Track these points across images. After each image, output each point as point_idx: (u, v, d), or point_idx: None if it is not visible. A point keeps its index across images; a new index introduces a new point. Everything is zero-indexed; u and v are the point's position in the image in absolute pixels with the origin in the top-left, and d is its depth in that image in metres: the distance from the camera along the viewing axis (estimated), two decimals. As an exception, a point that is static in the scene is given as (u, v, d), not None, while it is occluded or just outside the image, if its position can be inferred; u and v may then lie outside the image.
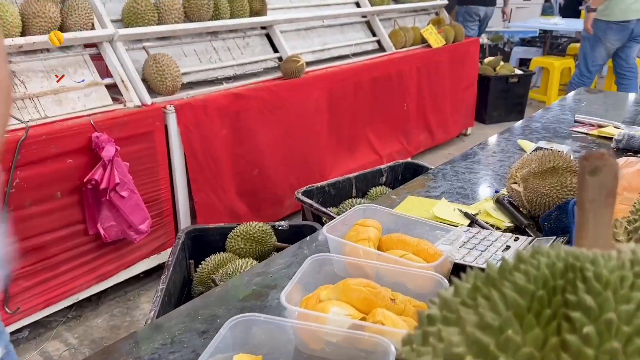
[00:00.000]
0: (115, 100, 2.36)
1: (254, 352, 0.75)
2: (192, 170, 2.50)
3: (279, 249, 2.03)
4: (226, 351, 0.73)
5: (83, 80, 2.28)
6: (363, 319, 0.77)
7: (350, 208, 2.24)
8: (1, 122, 0.73)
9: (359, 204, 2.25)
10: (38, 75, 2.18)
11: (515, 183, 1.22)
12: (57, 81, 2.21)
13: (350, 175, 2.60)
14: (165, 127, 2.39)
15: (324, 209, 2.22)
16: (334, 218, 2.15)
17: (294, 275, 0.85)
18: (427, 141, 4.16)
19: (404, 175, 2.74)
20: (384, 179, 2.69)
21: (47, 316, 2.20)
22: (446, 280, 0.85)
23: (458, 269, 1.00)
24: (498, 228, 1.18)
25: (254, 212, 2.84)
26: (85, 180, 2.11)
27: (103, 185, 2.10)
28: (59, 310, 2.23)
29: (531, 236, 1.11)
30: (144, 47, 2.51)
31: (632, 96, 2.49)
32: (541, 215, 1.12)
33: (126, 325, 2.27)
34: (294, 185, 3.02)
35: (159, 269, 2.53)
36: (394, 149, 3.81)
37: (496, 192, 1.34)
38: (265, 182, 2.89)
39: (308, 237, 1.15)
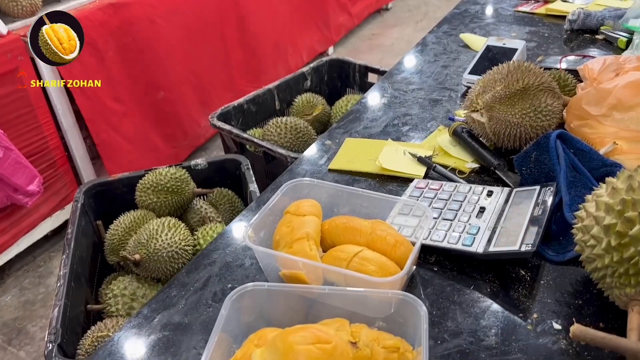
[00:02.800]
0: (-44, 33, 1.84)
1: None
2: (84, 109, 2.07)
3: (199, 195, 1.74)
4: None
5: None
6: (319, 395, 0.54)
7: (276, 130, 1.96)
8: None
9: (284, 123, 1.96)
10: None
11: (476, 111, 0.97)
12: None
13: (270, 86, 2.26)
14: (33, 60, 1.91)
15: (246, 136, 1.91)
16: (259, 145, 1.87)
17: (214, 328, 0.59)
18: (347, 23, 3.78)
19: (330, 75, 2.43)
20: (308, 83, 2.37)
21: (-58, 306, 1.87)
22: (418, 301, 0.61)
23: (426, 250, 0.78)
24: (460, 172, 0.96)
25: (167, 144, 2.48)
26: (-61, 146, 1.68)
27: (-33, 149, 1.68)
28: (-45, 297, 1.91)
29: (508, 185, 0.89)
30: (-22, -44, 1.92)
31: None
32: (516, 156, 0.90)
33: (41, 298, 1.99)
34: (206, 104, 2.65)
35: (66, 224, 2.19)
36: (314, 39, 3.43)
37: (450, 119, 1.09)
38: (173, 106, 2.50)
39: (223, 233, 0.88)
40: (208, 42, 2.62)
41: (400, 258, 0.72)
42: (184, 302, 0.73)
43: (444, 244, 0.77)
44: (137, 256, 1.42)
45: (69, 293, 1.38)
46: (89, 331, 1.35)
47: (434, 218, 0.82)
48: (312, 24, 3.39)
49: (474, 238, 0.76)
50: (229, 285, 0.75)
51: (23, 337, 1.85)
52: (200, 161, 1.81)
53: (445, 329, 0.67)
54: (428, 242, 0.78)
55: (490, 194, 0.85)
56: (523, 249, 0.70)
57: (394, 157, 0.98)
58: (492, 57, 1.26)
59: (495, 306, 0.70)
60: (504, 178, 0.91)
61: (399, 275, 0.65)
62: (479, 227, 0.78)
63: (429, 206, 0.84)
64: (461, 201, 0.84)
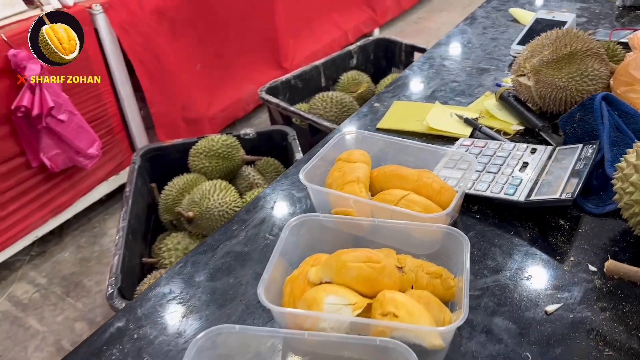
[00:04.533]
0: (29, 4, 1.96)
1: (235, 363, 0.59)
2: (142, 78, 2.19)
3: (249, 162, 1.82)
4: (198, 374, 0.56)
5: (-19, -16, 1.86)
6: (368, 306, 0.60)
7: (322, 104, 2.02)
8: None
9: (330, 98, 2.02)
10: None
11: (523, 75, 1.00)
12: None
13: (317, 63, 2.32)
14: (95, 30, 2.03)
15: (293, 109, 1.98)
16: (305, 118, 1.94)
17: (274, 248, 0.66)
18: (394, 7, 3.79)
19: (376, 54, 2.47)
20: (354, 61, 2.42)
21: (10, 257, 2.02)
22: (462, 235, 0.66)
23: (468, 200, 0.83)
24: (505, 133, 0.99)
25: (214, 113, 2.57)
26: (12, 107, 1.81)
27: (35, 111, 1.81)
28: (22, 250, 2.05)
29: (550, 144, 0.92)
30: None
31: None
32: (560, 117, 0.93)
33: (96, 255, 2.12)
34: (254, 78, 2.73)
35: (121, 189, 2.32)
36: (360, 20, 3.45)
37: (497, 85, 1.13)
38: (221, 77, 2.59)
39: (283, 175, 0.94)
40: (258, 17, 2.69)
41: (444, 203, 0.77)
42: (244, 235, 0.81)
43: (487, 193, 0.81)
44: (190, 213, 1.51)
45: (127, 244, 1.48)
46: (145, 279, 1.45)
47: (478, 171, 0.86)
48: (358, 5, 3.42)
49: (516, 188, 0.80)
50: (284, 224, 0.82)
51: (80, 290, 1.98)
52: (249, 131, 1.89)
53: (485, 267, 0.72)
54: (472, 191, 0.82)
55: (534, 151, 0.88)
56: (563, 196, 0.74)
57: (441, 118, 1.03)
58: (541, 29, 1.28)
59: (534, 249, 0.74)
60: (548, 139, 0.94)
61: (443, 212, 0.70)
62: (522, 179, 0.82)
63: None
64: (505, 157, 0.88)
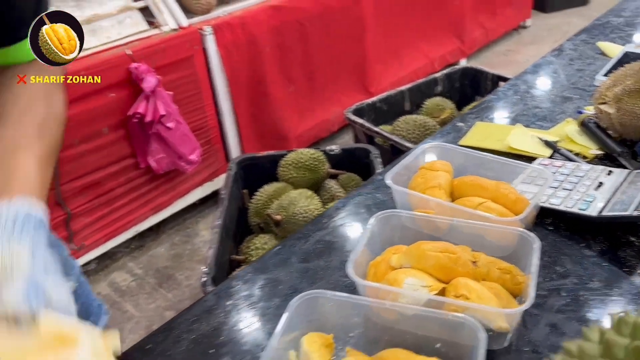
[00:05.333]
0: (150, 24, 2.23)
1: (323, 328, 0.69)
2: (235, 96, 2.40)
3: (332, 176, 1.95)
4: (294, 330, 0.67)
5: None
6: (442, 290, 0.69)
7: (405, 126, 2.11)
8: (55, 151, 0.68)
9: (414, 120, 2.11)
10: (68, 5, 2.07)
11: (604, 103, 1.05)
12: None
13: (403, 88, 2.43)
14: (204, 50, 2.26)
15: (376, 129, 2.10)
16: (388, 138, 2.04)
17: (360, 237, 0.76)
18: (482, 38, 3.83)
19: (462, 82, 2.54)
20: (439, 88, 2.50)
21: (112, 248, 2.26)
22: (534, 237, 0.74)
23: (543, 214, 0.89)
24: (584, 157, 1.04)
25: (301, 131, 2.74)
26: (129, 113, 2.06)
27: (148, 118, 2.05)
28: (123, 242, 2.29)
29: (627, 168, 0.96)
30: (173, -37, 2.32)
31: None
32: (638, 143, 0.97)
33: (188, 253, 2.31)
34: (341, 100, 2.88)
35: (213, 195, 2.52)
36: (446, 50, 3.53)
37: (579, 112, 1.17)
38: (311, 98, 2.76)
39: (368, 181, 1.05)
40: (347, 45, 2.84)
41: (519, 213, 0.84)
42: (333, 227, 0.92)
43: (561, 207, 0.87)
44: (278, 216, 1.65)
45: (221, 241, 1.64)
46: (233, 273, 1.60)
47: (554, 187, 0.92)
48: (447, 36, 3.50)
49: (589, 204, 0.85)
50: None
51: (172, 282, 2.18)
52: (334, 147, 2.02)
53: (553, 271, 0.78)
54: (546, 204, 0.88)
55: (610, 173, 0.93)
56: (635, 213, 0.79)
57: (522, 139, 1.09)
58: (628, 62, 1.31)
59: (603, 261, 0.79)
60: (626, 164, 0.98)
61: (517, 217, 0.78)
62: (595, 197, 0.87)
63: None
64: (581, 177, 0.93)
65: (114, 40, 2.10)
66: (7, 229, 0.53)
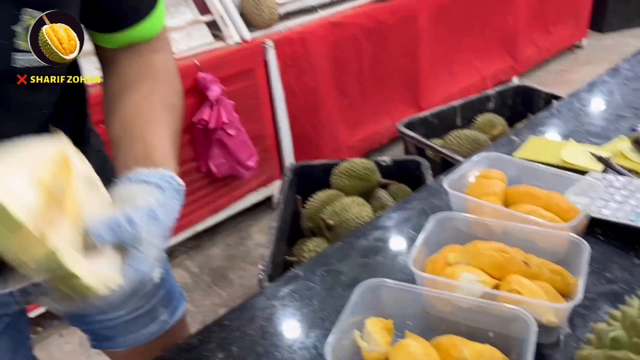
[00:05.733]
0: (215, 37, 2.38)
1: (383, 314, 0.76)
2: (291, 107, 2.51)
3: (383, 186, 2.02)
4: (357, 314, 0.74)
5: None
6: (496, 286, 0.75)
7: (456, 140, 2.16)
8: (176, 139, 0.74)
9: (465, 135, 2.16)
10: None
11: (659, 122, 1.08)
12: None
13: (455, 103, 2.48)
14: (265, 62, 2.38)
15: (428, 142, 2.15)
16: (438, 152, 2.09)
17: (419, 235, 0.83)
18: (535, 56, 3.83)
19: (514, 100, 2.57)
20: (491, 105, 2.54)
21: (171, 246, 2.39)
22: (584, 242, 0.79)
23: (593, 224, 0.93)
24: (637, 173, 1.08)
25: (352, 143, 2.82)
26: (194, 120, 2.19)
27: (212, 125, 2.17)
28: (181, 241, 2.42)
29: (679, 184, 0.99)
30: (239, -20, 2.46)
31: None
32: (692, 161, 1.00)
33: (241, 255, 2.42)
34: (392, 113, 2.95)
35: (266, 201, 2.63)
36: (498, 67, 3.55)
37: (633, 129, 1.21)
38: (363, 111, 2.84)
39: (422, 187, 1.12)
40: (401, 61, 2.92)
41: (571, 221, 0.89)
42: (391, 227, 0.99)
43: (612, 218, 0.91)
44: (331, 221, 1.73)
45: (276, 242, 1.73)
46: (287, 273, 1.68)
47: (605, 200, 0.96)
48: (500, 53, 3.52)
49: (640, 216, 0.89)
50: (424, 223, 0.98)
51: (225, 281, 2.29)
52: (386, 158, 2.09)
53: (603, 277, 0.83)
54: (597, 215, 0.93)
55: (662, 188, 0.97)
56: (685, 226, 0.82)
57: (575, 154, 1.13)
58: (686, 83, 1.33)
59: (652, 270, 0.83)
60: (679, 180, 1.01)
61: (568, 223, 0.83)
62: (646, 210, 0.91)
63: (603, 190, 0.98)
64: (633, 191, 0.97)
65: (183, 52, 2.25)
66: (154, 184, 0.60)
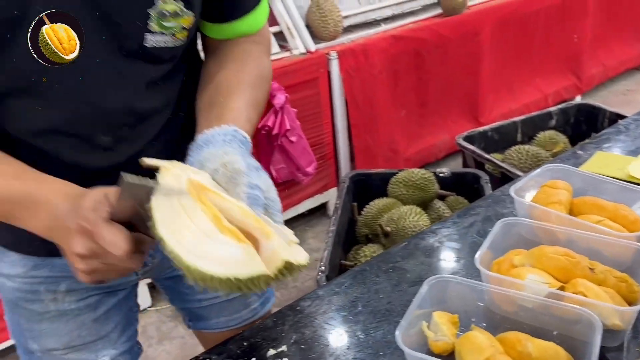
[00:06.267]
0: (282, 47, 2.48)
1: (448, 310, 0.80)
2: (352, 116, 2.57)
3: (441, 197, 2.04)
4: (424, 307, 0.78)
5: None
6: (561, 288, 0.77)
7: (517, 155, 2.16)
8: (261, 102, 0.81)
9: (526, 150, 2.15)
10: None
11: None
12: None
13: (516, 119, 2.47)
14: (328, 72, 2.46)
15: (487, 156, 2.16)
16: (498, 166, 2.10)
17: (486, 238, 0.87)
18: (600, 75, 3.75)
19: (577, 118, 2.53)
20: (553, 122, 2.51)
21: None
22: (652, 252, 0.80)
23: (661, 237, 0.94)
24: None
25: (409, 155, 2.85)
26: (259, 126, 2.29)
27: (275, 131, 2.26)
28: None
29: None
30: (306, -7, 2.56)
31: None
32: None
33: (295, 258, 2.49)
34: (450, 127, 2.97)
35: (321, 207, 2.70)
36: (561, 85, 3.50)
37: None
38: (420, 123, 2.87)
39: (487, 195, 1.15)
40: (461, 75, 2.94)
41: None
42: (457, 231, 1.02)
43: (680, 233, 0.91)
44: (388, 228, 1.77)
45: (333, 245, 1.78)
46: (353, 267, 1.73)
47: (674, 214, 0.96)
48: (563, 72, 3.48)
49: None
50: (489, 229, 1.01)
51: (280, 283, 2.35)
52: (445, 170, 2.11)
53: (670, 289, 0.83)
54: (665, 229, 0.93)
55: None
56: None
57: (642, 169, 1.14)
58: None
59: None
60: None
61: (637, 233, 0.84)
62: None
63: (670, 206, 0.98)
64: (703, 207, 0.97)
65: (251, 60, 2.36)
66: (221, 142, 0.66)
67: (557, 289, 0.76)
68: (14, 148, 0.71)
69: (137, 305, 1.01)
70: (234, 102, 0.76)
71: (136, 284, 0.99)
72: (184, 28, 0.74)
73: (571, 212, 0.99)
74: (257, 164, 0.68)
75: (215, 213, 0.59)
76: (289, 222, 2.64)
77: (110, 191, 0.60)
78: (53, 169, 0.69)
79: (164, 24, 0.70)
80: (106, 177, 0.67)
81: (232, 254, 0.56)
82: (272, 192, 0.67)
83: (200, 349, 0.98)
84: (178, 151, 0.73)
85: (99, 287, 0.88)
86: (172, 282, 1.01)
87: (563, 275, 0.79)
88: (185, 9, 0.71)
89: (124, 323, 0.94)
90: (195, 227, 0.57)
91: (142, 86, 0.75)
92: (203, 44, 0.88)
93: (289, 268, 0.58)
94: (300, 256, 0.60)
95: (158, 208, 0.58)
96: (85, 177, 0.70)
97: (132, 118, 0.76)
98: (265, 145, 2.33)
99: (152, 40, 0.70)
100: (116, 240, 0.57)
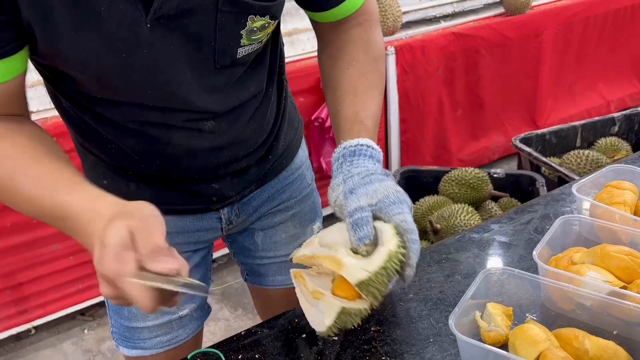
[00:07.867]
0: (339, 41, 2.49)
1: (503, 303, 0.79)
2: (402, 111, 2.55)
3: (494, 197, 2.00)
4: (479, 298, 0.78)
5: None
6: (623, 288, 0.75)
7: (576, 160, 2.10)
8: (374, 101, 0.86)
9: (586, 155, 2.09)
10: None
11: None
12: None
13: (576, 123, 2.39)
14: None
15: (544, 159, 2.10)
16: (556, 170, 2.04)
17: (545, 234, 0.85)
18: (669, 84, 3.57)
19: (642, 125, 2.43)
20: (615, 128, 2.42)
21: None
22: None
23: None
24: None
25: (462, 155, 2.81)
26: (312, 117, 2.31)
27: (327, 124, 2.28)
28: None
29: None
30: (367, -12, 2.56)
31: None
32: None
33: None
34: (505, 129, 2.90)
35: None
36: (626, 93, 3.36)
37: None
38: (475, 124, 2.82)
39: (546, 194, 1.12)
40: (520, 77, 2.87)
41: None
42: (512, 229, 1.01)
43: None
44: (438, 225, 1.76)
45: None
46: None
47: None
48: (628, 79, 3.34)
49: None
50: (546, 226, 0.99)
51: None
52: (499, 170, 2.07)
53: None
54: None
55: None
56: None
57: None
58: None
59: None
60: None
61: None
62: None
63: None
64: None
65: (308, 52, 2.38)
66: (377, 172, 0.76)
67: (620, 288, 0.74)
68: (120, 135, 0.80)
69: (211, 266, 1.07)
70: (350, 110, 0.83)
71: (211, 249, 1.04)
72: (269, 33, 0.80)
73: (635, 215, 0.95)
74: (404, 194, 0.79)
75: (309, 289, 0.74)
76: (331, 215, 2.65)
77: (137, 226, 0.59)
78: (163, 152, 0.81)
79: (252, 37, 0.76)
80: (210, 155, 0.83)
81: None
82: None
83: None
84: (267, 124, 0.90)
85: (187, 244, 0.95)
86: (239, 235, 1.05)
87: (626, 275, 0.76)
88: (270, 20, 0.76)
89: (203, 281, 0.99)
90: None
91: (233, 83, 0.81)
92: (314, 29, 0.92)
93: (366, 281, 0.67)
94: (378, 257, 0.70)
95: None
96: (192, 155, 0.82)
97: (228, 109, 0.83)
98: (316, 136, 2.35)
99: (242, 52, 0.77)
100: (141, 299, 0.57)
